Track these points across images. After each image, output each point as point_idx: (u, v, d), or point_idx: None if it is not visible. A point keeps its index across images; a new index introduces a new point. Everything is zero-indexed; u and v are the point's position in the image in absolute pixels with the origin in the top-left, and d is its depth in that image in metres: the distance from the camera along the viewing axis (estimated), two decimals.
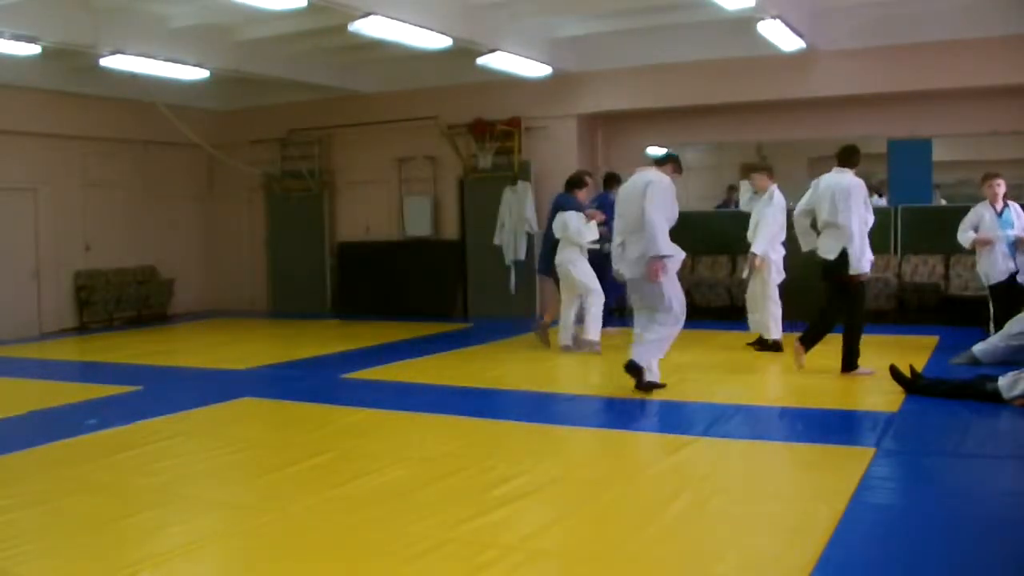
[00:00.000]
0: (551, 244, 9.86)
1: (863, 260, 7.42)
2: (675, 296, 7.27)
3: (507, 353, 10.16)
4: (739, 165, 13.85)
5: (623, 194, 7.40)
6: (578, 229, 9.47)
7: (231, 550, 4.18)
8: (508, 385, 8.36)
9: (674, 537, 4.12)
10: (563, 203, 9.79)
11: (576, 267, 9.52)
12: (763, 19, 9.53)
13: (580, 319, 9.75)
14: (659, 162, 7.44)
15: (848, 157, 7.70)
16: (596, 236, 9.65)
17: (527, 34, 11.40)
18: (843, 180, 7.56)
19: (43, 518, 4.62)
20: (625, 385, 7.83)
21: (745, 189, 9.87)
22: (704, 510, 4.49)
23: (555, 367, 9.35)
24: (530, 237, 13.00)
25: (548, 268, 9.99)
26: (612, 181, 10.25)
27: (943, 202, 12.29)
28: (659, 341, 7.26)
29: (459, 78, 12.88)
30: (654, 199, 6.98)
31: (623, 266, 7.32)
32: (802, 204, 8.02)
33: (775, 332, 9.19)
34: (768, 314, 9.24)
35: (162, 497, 4.89)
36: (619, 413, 6.89)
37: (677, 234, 12.53)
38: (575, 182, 9.94)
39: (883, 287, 11.16)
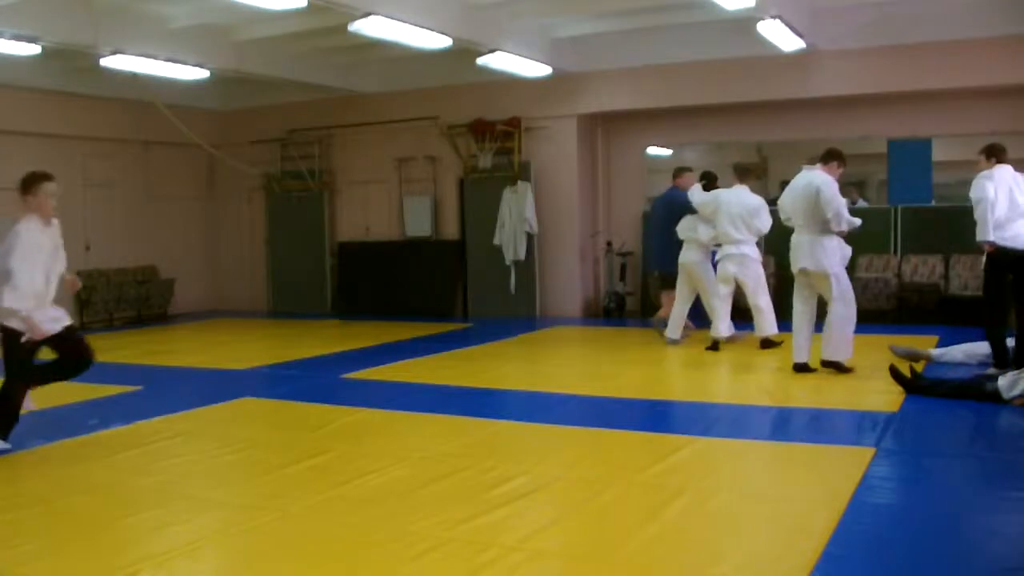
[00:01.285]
0: (674, 242, 9.91)
1: None
2: (847, 285, 7.79)
3: (507, 353, 10.16)
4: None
5: (790, 190, 7.90)
6: (710, 234, 9.58)
7: (231, 550, 4.18)
8: (508, 385, 8.36)
9: (674, 537, 4.12)
10: (689, 203, 9.84)
11: (703, 267, 9.66)
12: (763, 19, 9.53)
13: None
14: (825, 160, 7.75)
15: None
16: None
17: (527, 34, 11.40)
18: None
19: (43, 518, 4.62)
20: (625, 385, 7.84)
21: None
22: (704, 510, 4.50)
23: (555, 367, 9.35)
24: (530, 237, 13.00)
25: (668, 264, 10.05)
26: (711, 181, 10.18)
27: None
28: (843, 332, 7.69)
29: (459, 78, 12.88)
30: (830, 207, 7.50)
31: (797, 256, 7.83)
32: (990, 197, 7.46)
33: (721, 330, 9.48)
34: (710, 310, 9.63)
35: (162, 497, 4.89)
36: (619, 413, 6.88)
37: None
38: (714, 179, 9.91)
39: (883, 287, 11.17)
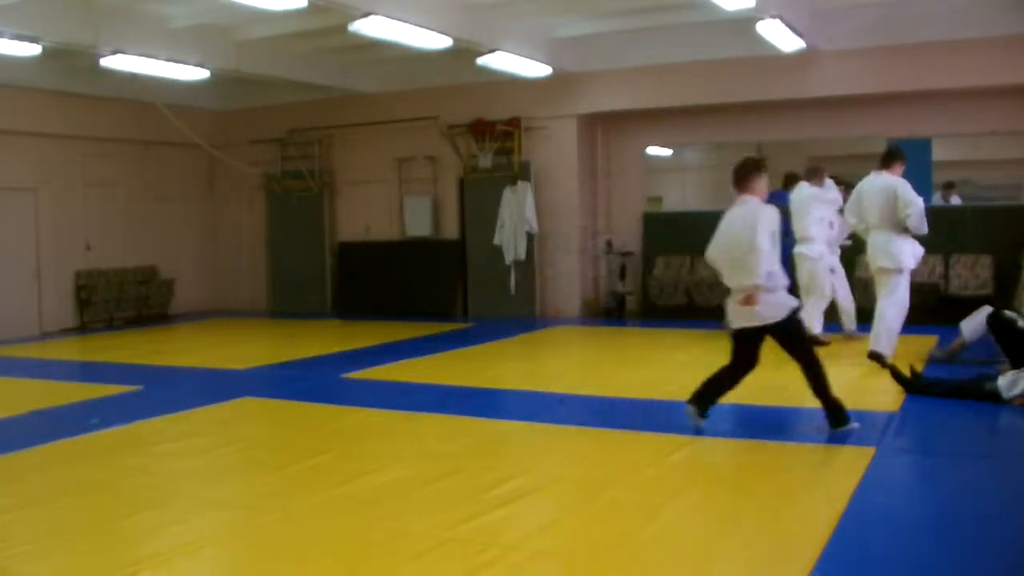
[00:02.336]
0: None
1: None
2: (906, 286, 8.14)
3: (507, 353, 10.16)
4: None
5: (863, 190, 8.24)
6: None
7: (231, 550, 4.18)
8: (508, 385, 8.37)
9: (674, 537, 4.12)
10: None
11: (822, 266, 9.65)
12: (763, 19, 9.52)
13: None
14: (888, 163, 8.07)
15: None
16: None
17: (527, 34, 11.39)
18: None
19: (43, 518, 4.62)
20: (625, 385, 7.84)
21: None
22: (704, 510, 4.50)
23: (555, 367, 9.36)
24: (530, 237, 12.99)
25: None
26: (792, 180, 10.12)
27: None
28: (888, 330, 8.00)
29: (459, 78, 12.89)
30: (912, 205, 7.81)
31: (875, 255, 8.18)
32: None
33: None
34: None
35: (162, 497, 4.89)
36: (619, 413, 6.89)
37: (678, 233, 12.58)
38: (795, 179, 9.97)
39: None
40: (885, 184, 8.01)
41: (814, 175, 9.62)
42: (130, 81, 11.89)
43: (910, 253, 8.06)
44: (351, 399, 7.50)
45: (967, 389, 6.64)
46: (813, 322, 9.28)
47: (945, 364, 7.96)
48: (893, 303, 8.00)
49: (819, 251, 9.37)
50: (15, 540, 4.21)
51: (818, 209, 9.40)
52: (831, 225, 9.55)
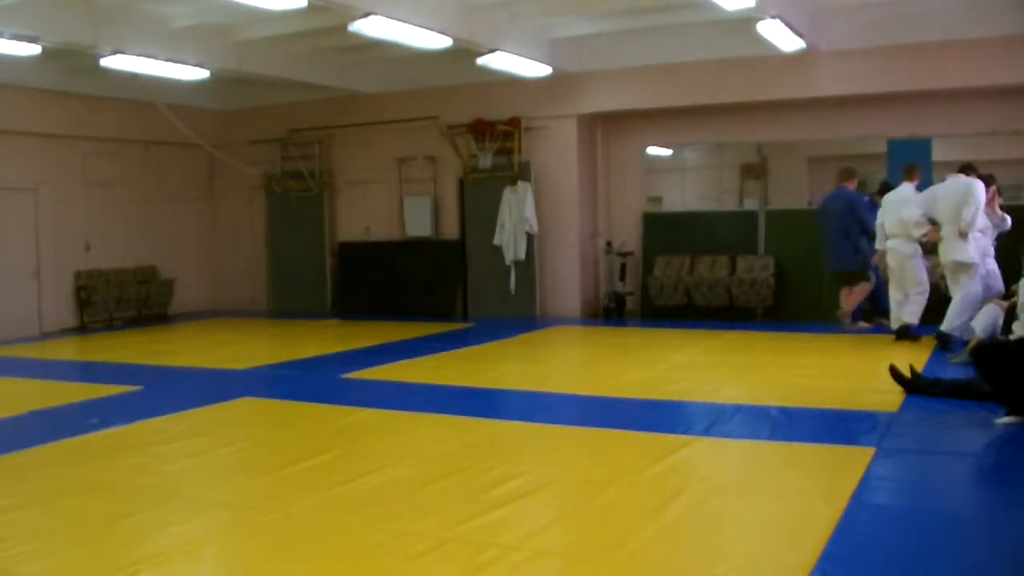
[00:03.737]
0: (849, 241, 10.44)
1: None
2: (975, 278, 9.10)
3: (507, 353, 10.16)
4: (739, 165, 13.87)
5: (944, 192, 9.14)
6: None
7: (231, 550, 4.18)
8: (508, 385, 8.36)
9: (674, 537, 4.12)
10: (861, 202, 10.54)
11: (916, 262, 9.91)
12: (763, 19, 9.52)
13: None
14: (968, 170, 9.03)
15: None
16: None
17: (527, 34, 11.39)
18: None
19: (43, 518, 4.62)
20: (625, 385, 7.84)
21: None
22: (704, 510, 4.49)
23: (555, 367, 9.35)
24: (530, 237, 12.99)
25: (842, 264, 10.59)
26: (886, 189, 10.45)
27: None
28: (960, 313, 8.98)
29: (459, 78, 12.89)
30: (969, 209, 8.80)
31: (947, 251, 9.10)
32: None
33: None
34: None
35: (162, 497, 4.89)
36: (619, 413, 6.89)
37: (678, 233, 12.54)
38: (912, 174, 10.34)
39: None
40: (965, 184, 8.81)
41: (911, 174, 9.91)
42: (130, 81, 11.90)
43: (972, 247, 8.88)
44: (351, 399, 7.50)
45: (967, 389, 6.63)
46: (903, 314, 9.70)
47: (968, 366, 7.87)
48: (966, 294, 8.84)
49: (914, 247, 9.66)
50: (15, 540, 4.20)
51: (913, 205, 9.59)
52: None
